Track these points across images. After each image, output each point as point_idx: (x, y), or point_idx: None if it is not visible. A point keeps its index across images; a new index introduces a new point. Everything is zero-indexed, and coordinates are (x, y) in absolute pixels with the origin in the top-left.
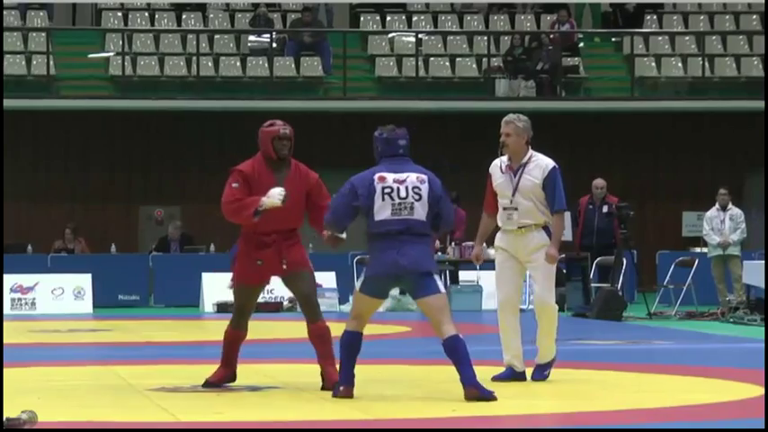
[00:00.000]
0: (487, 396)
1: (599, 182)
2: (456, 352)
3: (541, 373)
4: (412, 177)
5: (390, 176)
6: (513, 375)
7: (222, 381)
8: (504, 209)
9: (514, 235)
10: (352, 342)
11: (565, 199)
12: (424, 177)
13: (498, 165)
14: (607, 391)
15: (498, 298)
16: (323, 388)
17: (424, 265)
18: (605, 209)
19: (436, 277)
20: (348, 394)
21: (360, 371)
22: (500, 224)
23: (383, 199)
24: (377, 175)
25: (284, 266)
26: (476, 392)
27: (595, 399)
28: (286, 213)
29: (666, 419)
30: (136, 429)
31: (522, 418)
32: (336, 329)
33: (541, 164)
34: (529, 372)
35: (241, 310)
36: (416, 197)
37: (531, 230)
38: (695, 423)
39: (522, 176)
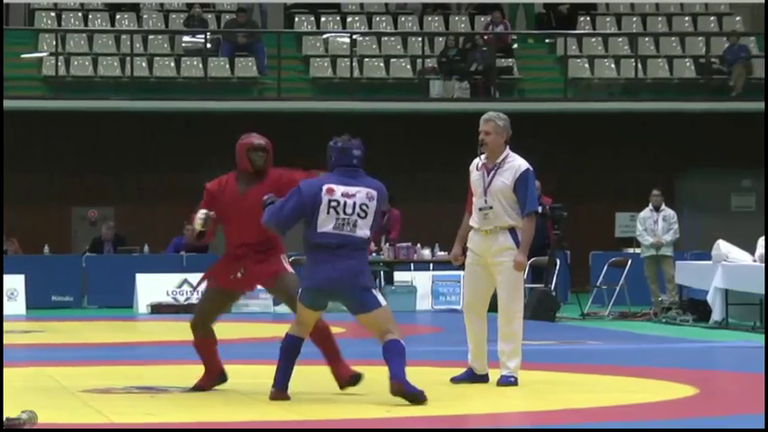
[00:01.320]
0: (416, 393)
1: None
2: (392, 351)
3: (507, 379)
4: (362, 193)
5: (339, 189)
6: (472, 377)
7: (209, 385)
8: (480, 209)
9: (481, 236)
10: (293, 346)
11: (537, 202)
12: (374, 194)
13: (476, 163)
14: (540, 392)
15: (464, 300)
16: (341, 387)
17: (359, 282)
18: (539, 209)
19: (375, 291)
20: (283, 396)
21: (295, 372)
22: (473, 224)
23: (328, 212)
24: (326, 186)
25: (262, 280)
26: (400, 387)
27: (528, 399)
28: (257, 225)
29: (600, 419)
30: (68, 430)
31: (451, 418)
32: (271, 331)
33: (514, 165)
34: (495, 375)
35: (203, 314)
36: (362, 215)
37: (496, 232)
38: (628, 423)
39: (495, 177)
